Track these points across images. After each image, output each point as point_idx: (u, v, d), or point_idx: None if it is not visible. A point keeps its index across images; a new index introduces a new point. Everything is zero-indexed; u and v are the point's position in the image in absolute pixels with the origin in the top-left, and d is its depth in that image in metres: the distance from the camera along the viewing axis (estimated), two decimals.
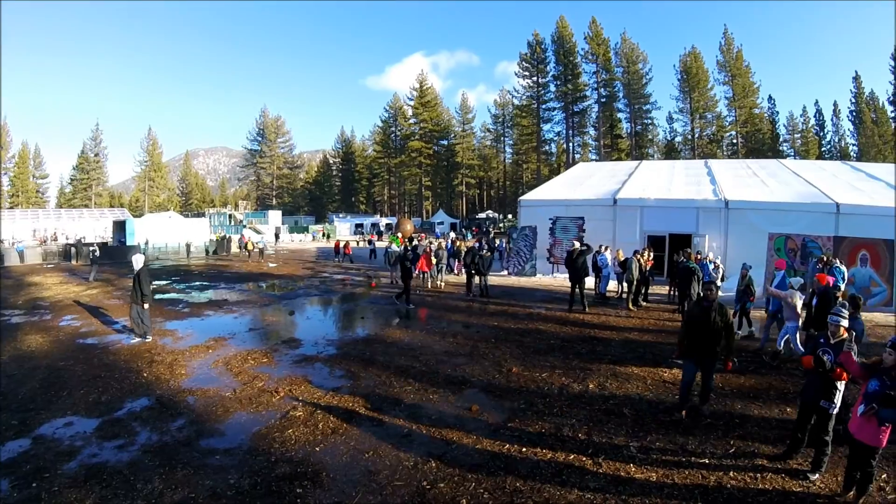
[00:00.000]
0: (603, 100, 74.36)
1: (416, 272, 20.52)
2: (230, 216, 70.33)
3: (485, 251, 18.54)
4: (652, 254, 17.33)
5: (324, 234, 63.26)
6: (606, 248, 17.89)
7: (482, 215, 78.84)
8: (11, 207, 75.26)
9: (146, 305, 11.36)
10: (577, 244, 15.51)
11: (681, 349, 7.11)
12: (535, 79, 77.73)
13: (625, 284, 16.07)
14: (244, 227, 58.92)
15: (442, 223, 70.62)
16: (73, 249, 36.14)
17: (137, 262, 11.83)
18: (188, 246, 35.02)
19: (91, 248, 26.19)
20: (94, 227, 59.13)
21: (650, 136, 77.89)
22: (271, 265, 30.49)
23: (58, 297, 18.81)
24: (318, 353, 10.66)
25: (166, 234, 40.88)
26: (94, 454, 6.19)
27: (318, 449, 6.16)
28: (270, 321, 14.25)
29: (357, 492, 5.18)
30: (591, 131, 79.10)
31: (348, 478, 5.47)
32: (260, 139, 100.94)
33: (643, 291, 15.78)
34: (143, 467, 5.80)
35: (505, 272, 22.91)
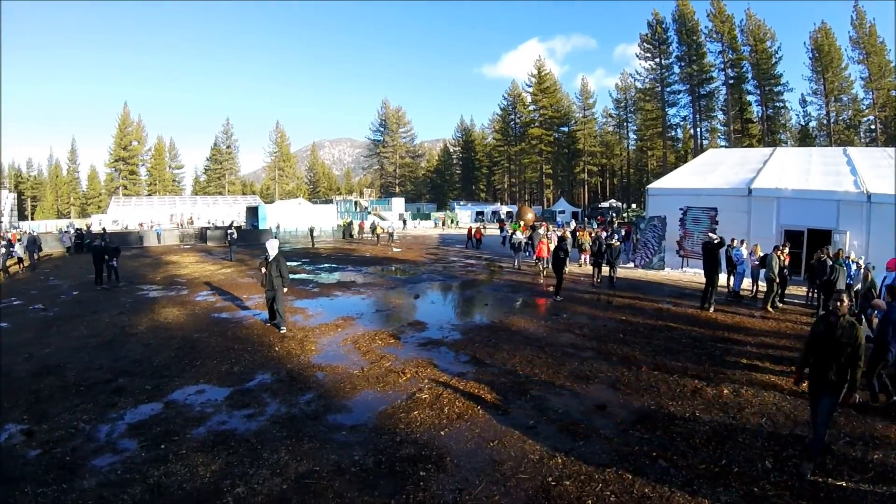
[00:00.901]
0: (731, 81, 68.57)
1: (535, 258, 21.05)
2: (356, 203, 73.58)
3: (614, 240, 18.18)
4: (787, 249, 15.70)
5: (451, 221, 65.02)
6: (742, 243, 16.60)
7: (605, 204, 76.58)
8: (150, 195, 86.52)
9: (285, 290, 11.58)
10: (714, 236, 14.36)
11: (799, 373, 5.96)
12: (657, 60, 73.76)
13: (762, 283, 15.06)
14: (369, 213, 61.48)
15: (563, 212, 69.52)
16: (207, 232, 39.75)
17: (272, 247, 11.54)
18: (311, 230, 37.07)
19: (229, 231, 28.44)
20: (227, 212, 64.94)
21: (782, 121, 70.83)
22: (396, 250, 31.43)
23: (194, 274, 20.59)
24: (444, 337, 10.68)
25: (296, 220, 44.02)
26: (223, 421, 6.52)
27: (442, 433, 6.10)
28: (396, 304, 14.58)
29: (480, 480, 5.05)
30: (720, 115, 73.49)
31: (472, 465, 5.35)
32: (382, 130, 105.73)
33: (780, 292, 14.37)
34: (270, 437, 6.00)
35: (631, 264, 22.11)
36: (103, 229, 39.56)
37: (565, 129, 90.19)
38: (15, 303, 15.34)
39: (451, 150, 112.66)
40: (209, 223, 56.02)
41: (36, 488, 4.97)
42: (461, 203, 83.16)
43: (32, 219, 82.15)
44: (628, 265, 21.80)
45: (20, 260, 25.07)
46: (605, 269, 18.05)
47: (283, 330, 11.12)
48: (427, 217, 69.05)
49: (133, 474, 5.22)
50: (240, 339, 10.55)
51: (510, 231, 28.62)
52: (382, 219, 55.10)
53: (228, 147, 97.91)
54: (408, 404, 6.93)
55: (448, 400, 7.08)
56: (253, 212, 48.64)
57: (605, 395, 7.43)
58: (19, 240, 27.74)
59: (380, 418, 6.52)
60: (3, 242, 24.09)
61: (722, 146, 64.98)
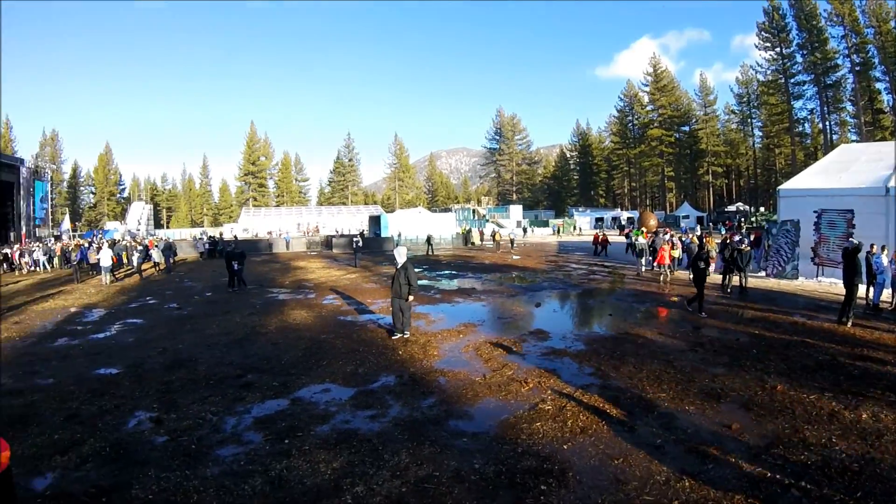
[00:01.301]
0: (857, 68, 62.27)
1: (655, 266, 20.54)
2: (473, 211, 74.74)
3: (744, 245, 17.16)
4: None
5: (572, 228, 64.35)
6: (883, 249, 14.65)
7: (731, 208, 71.74)
8: (278, 205, 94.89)
9: (411, 298, 11.49)
10: (854, 240, 12.90)
11: None
12: (777, 50, 69.06)
13: None
14: (486, 221, 62.10)
15: (687, 217, 66.99)
16: (333, 240, 42.14)
17: (401, 254, 11.45)
18: (429, 238, 37.91)
19: (355, 239, 29.82)
20: (350, 221, 68.85)
21: None
22: (515, 257, 31.36)
23: (320, 279, 21.68)
24: (567, 347, 10.37)
25: (416, 228, 45.57)
26: (347, 421, 6.68)
27: (565, 447, 5.85)
28: (517, 311, 14.42)
29: (603, 500, 4.77)
30: (849, 107, 67.08)
31: (595, 482, 5.09)
32: (498, 138, 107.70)
33: None
34: (391, 439, 6.06)
35: (763, 273, 20.46)
36: (234, 237, 43.30)
37: (686, 128, 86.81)
38: (150, 301, 16.99)
39: (568, 156, 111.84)
40: (335, 231, 59.14)
41: (160, 472, 5.30)
42: (580, 209, 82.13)
43: (167, 227, 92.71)
44: (759, 274, 20.25)
45: (156, 263, 27.93)
46: (735, 278, 16.96)
47: (407, 334, 11.25)
48: (545, 224, 68.68)
49: (255, 466, 5.44)
50: (364, 341, 10.88)
51: (634, 237, 27.80)
52: (500, 226, 55.43)
53: (350, 160, 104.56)
54: (530, 415, 6.76)
55: (571, 413, 6.82)
56: (375, 220, 50.78)
57: (737, 415, 6.86)
58: (156, 245, 30.78)
59: (501, 427, 6.39)
60: (140, 248, 26.98)
61: (853, 140, 59.78)
